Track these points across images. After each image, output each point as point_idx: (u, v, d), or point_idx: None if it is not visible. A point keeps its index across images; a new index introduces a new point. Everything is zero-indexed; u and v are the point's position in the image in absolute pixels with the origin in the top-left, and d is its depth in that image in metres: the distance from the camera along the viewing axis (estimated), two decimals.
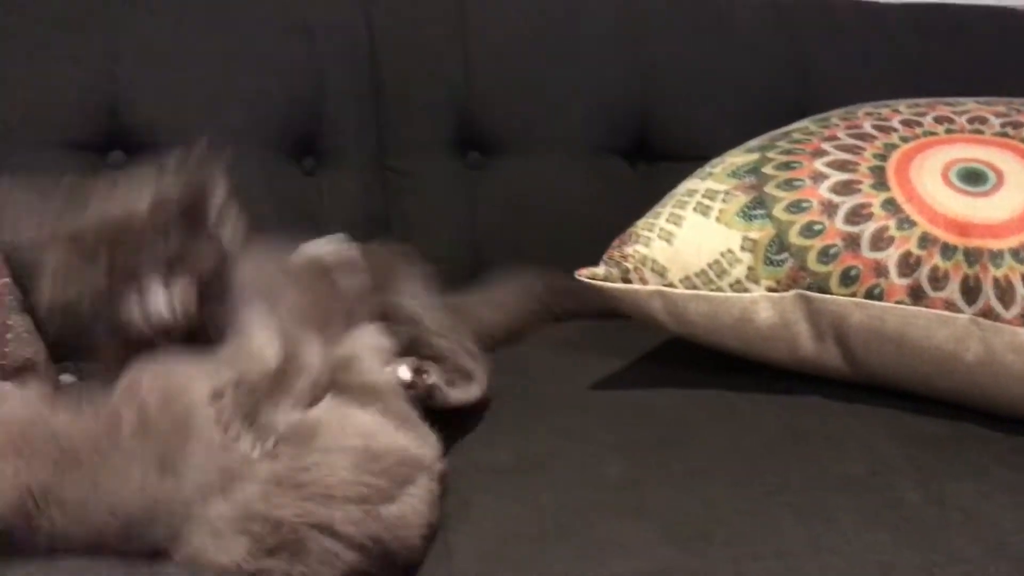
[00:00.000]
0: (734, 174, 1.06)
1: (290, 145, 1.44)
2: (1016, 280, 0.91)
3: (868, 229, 0.97)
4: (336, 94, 1.46)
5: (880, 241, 0.96)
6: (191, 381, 0.78)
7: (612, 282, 1.02)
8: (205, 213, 0.86)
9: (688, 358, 1.10)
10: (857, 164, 1.03)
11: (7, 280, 1.19)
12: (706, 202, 1.04)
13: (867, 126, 1.10)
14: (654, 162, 1.54)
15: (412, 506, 0.79)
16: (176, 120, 1.38)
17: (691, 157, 1.47)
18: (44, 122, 1.35)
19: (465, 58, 1.48)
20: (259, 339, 0.86)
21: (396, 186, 1.49)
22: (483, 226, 1.48)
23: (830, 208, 0.99)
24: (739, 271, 0.99)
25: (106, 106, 1.36)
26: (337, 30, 1.49)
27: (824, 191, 1.01)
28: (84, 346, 0.88)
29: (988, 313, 0.92)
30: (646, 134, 1.52)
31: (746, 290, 0.99)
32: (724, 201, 1.03)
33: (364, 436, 0.80)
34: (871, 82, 1.50)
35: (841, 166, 1.03)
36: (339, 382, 0.87)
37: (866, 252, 0.96)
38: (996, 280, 0.92)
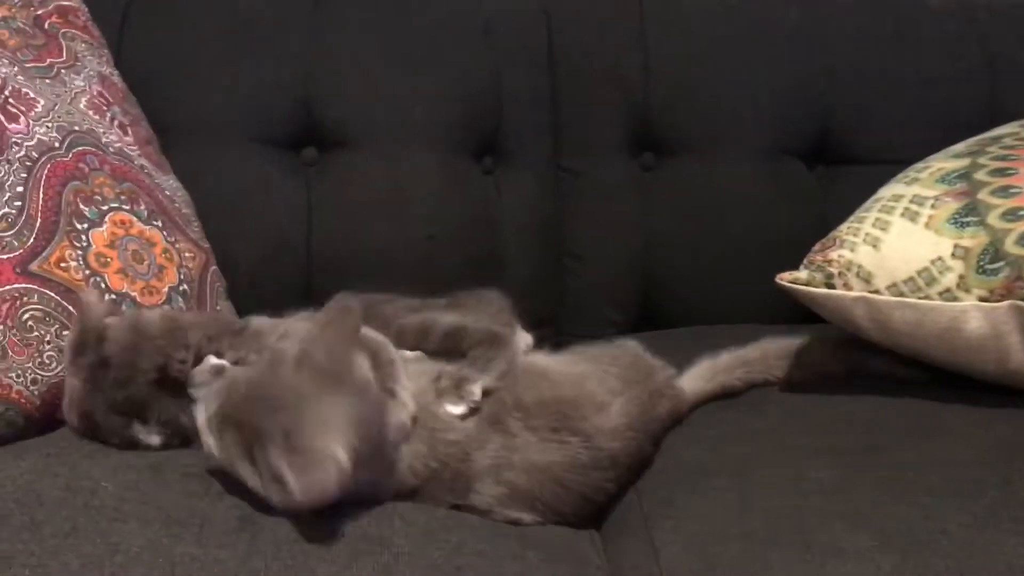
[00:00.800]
0: (943, 180, 1.03)
1: (470, 144, 1.48)
2: None
3: None
4: (514, 95, 1.49)
5: None
6: None
7: (815, 287, 1.01)
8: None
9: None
10: None
11: (216, 268, 1.27)
12: (914, 208, 1.01)
13: None
14: (832, 165, 1.51)
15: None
16: (364, 119, 1.44)
17: (872, 161, 1.46)
18: (242, 119, 1.43)
19: (644, 60, 1.48)
20: None
21: (570, 186, 1.51)
22: (656, 228, 1.48)
23: None
24: (949, 279, 0.96)
25: (301, 104, 1.43)
26: (517, 32, 1.52)
27: None
28: None
29: None
30: (825, 137, 1.50)
31: (956, 299, 0.96)
32: (933, 207, 1.00)
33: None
34: None
35: None
36: None
37: None
38: None
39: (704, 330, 1.38)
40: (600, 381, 0.98)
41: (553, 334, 1.40)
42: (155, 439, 0.89)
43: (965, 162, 1.05)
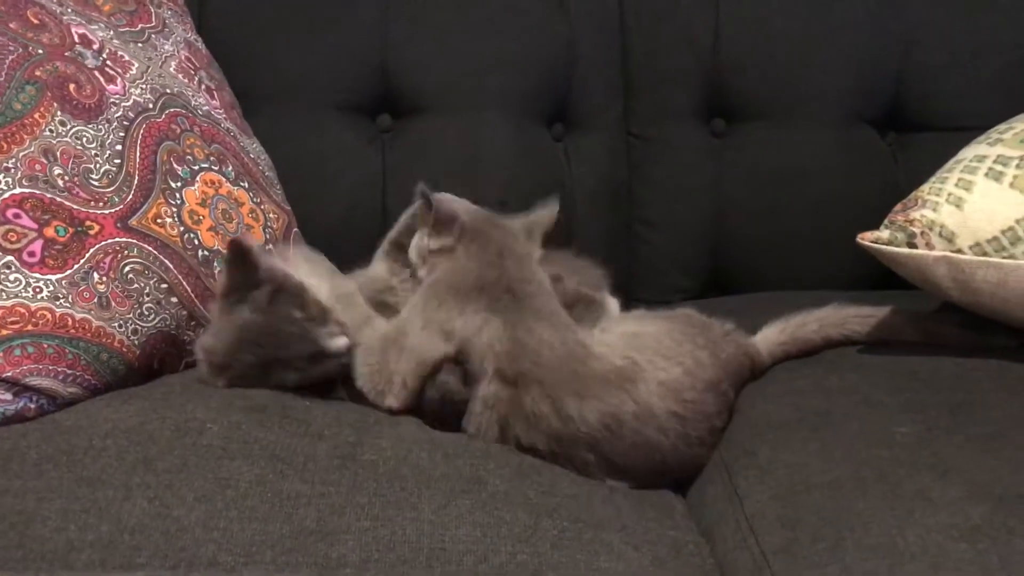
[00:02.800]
0: None
1: (541, 111, 1.49)
2: None
3: None
4: (585, 60, 1.50)
5: None
6: None
7: (896, 246, 1.01)
8: None
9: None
10: None
11: (297, 230, 1.30)
12: (998, 168, 1.01)
13: None
14: (905, 132, 1.50)
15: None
16: (438, 86, 1.47)
17: (945, 128, 1.45)
18: (318, 86, 1.46)
19: (716, 24, 1.48)
20: None
21: (640, 153, 1.52)
22: (726, 194, 1.48)
23: None
24: None
25: (376, 71, 1.46)
26: None
27: None
28: None
29: None
30: (898, 103, 1.49)
31: None
32: (1019, 167, 0.99)
33: None
34: None
35: None
36: None
37: None
38: None
39: (774, 295, 1.38)
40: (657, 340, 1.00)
41: (623, 300, 1.41)
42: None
43: None
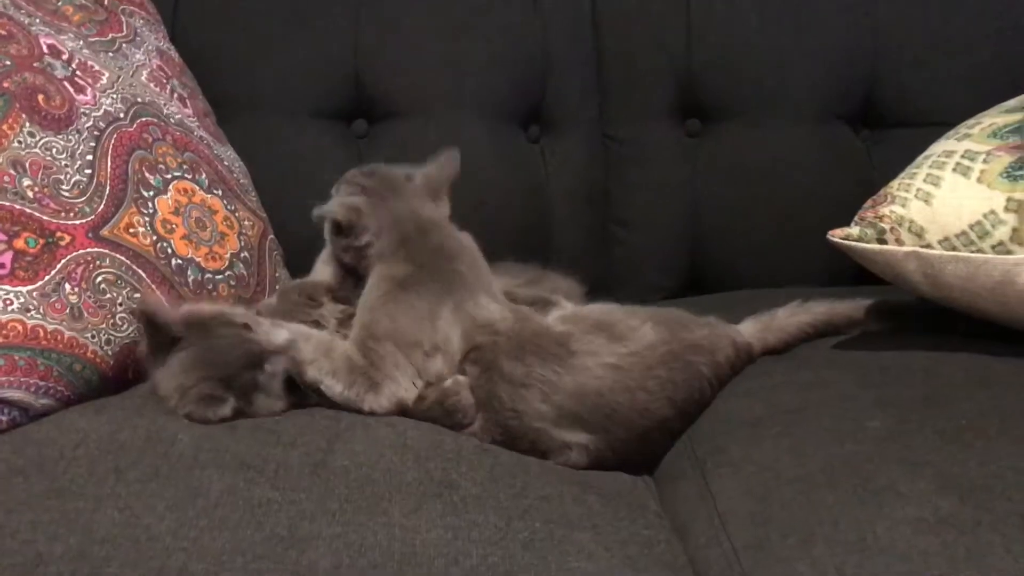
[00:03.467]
0: (995, 135, 1.03)
1: (517, 113, 1.50)
2: None
3: None
4: (560, 63, 1.51)
5: None
6: None
7: (866, 243, 1.02)
8: None
9: (933, 323, 1.08)
10: None
11: (273, 236, 1.30)
12: (966, 163, 1.02)
13: None
14: (878, 128, 1.51)
15: None
16: (414, 90, 1.47)
17: (919, 123, 1.46)
18: (293, 93, 1.46)
19: (687, 24, 1.49)
20: None
21: (616, 154, 1.52)
22: (702, 193, 1.49)
23: None
24: (1002, 233, 0.97)
25: (350, 77, 1.46)
26: None
27: None
28: None
29: None
30: (872, 100, 1.50)
31: (1009, 252, 0.96)
32: (986, 162, 1.00)
33: None
34: None
35: None
36: None
37: None
38: None
39: (753, 294, 1.38)
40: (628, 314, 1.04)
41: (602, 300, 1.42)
42: None
43: (1018, 116, 1.05)
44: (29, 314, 0.94)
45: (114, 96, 1.13)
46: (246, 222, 1.23)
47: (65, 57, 1.11)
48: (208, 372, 0.92)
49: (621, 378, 0.96)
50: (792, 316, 1.11)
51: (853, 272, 1.22)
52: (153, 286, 1.05)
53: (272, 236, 1.30)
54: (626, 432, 0.95)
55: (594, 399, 0.95)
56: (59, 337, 0.96)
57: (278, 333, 0.96)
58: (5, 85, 1.02)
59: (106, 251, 1.03)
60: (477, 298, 1.01)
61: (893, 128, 1.50)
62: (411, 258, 1.03)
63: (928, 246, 1.00)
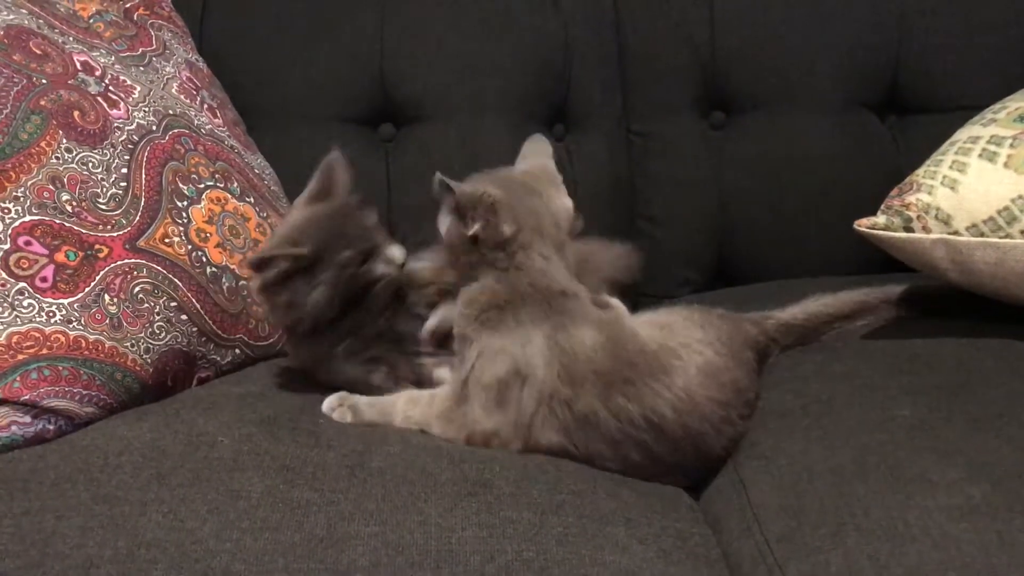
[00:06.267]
0: (1021, 119, 1.03)
1: (541, 112, 1.50)
2: None
3: None
4: (582, 59, 1.51)
5: None
6: None
7: (893, 231, 1.02)
8: None
9: (962, 309, 1.08)
10: None
11: None
12: (992, 148, 1.01)
13: None
14: (904, 115, 1.50)
15: None
16: (438, 93, 1.48)
17: (944, 109, 1.45)
18: (320, 99, 1.48)
19: (710, 16, 1.49)
20: None
21: (641, 149, 1.53)
22: (728, 185, 1.49)
23: None
24: None
25: (375, 81, 1.48)
26: None
27: None
28: None
29: None
30: (896, 86, 1.49)
31: None
32: (1012, 147, 1.00)
33: None
34: None
35: None
36: None
37: None
38: None
39: (782, 284, 1.39)
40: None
41: (631, 297, 1.43)
42: None
43: None
44: (71, 325, 0.97)
45: (146, 109, 1.16)
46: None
47: (98, 73, 1.14)
48: (327, 228, 1.04)
49: (724, 415, 0.93)
50: (819, 303, 1.11)
51: (882, 260, 1.21)
52: (189, 295, 1.08)
53: None
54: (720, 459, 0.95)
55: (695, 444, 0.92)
56: (100, 347, 0.98)
57: (395, 249, 1.04)
58: (42, 103, 1.05)
59: (143, 261, 1.05)
60: (570, 329, 0.93)
61: (919, 114, 1.49)
62: (513, 290, 0.95)
63: (956, 233, 1.00)
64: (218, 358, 1.12)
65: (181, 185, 1.14)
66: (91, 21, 1.22)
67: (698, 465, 0.93)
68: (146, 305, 1.04)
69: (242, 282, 1.15)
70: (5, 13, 1.11)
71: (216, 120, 1.28)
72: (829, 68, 1.48)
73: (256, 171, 1.30)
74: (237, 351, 1.14)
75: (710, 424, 0.92)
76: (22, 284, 0.96)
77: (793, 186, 1.47)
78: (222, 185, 1.19)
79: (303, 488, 0.80)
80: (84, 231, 1.02)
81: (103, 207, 1.05)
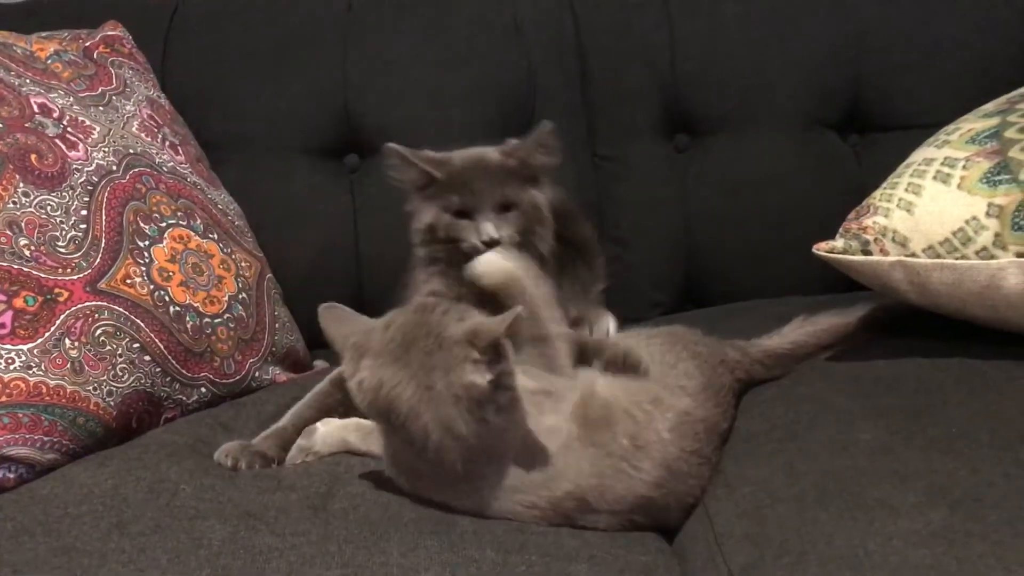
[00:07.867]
0: (973, 140, 1.04)
1: (506, 139, 1.51)
2: None
3: None
4: (546, 85, 1.52)
5: None
6: None
7: (852, 255, 1.03)
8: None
9: (926, 329, 1.09)
10: None
11: (271, 275, 1.32)
12: (945, 170, 1.02)
13: None
14: (866, 133, 1.52)
15: None
16: (403, 122, 1.48)
17: (906, 127, 1.46)
18: (285, 131, 1.49)
19: (671, 40, 1.50)
20: None
21: (606, 172, 1.54)
22: (694, 207, 1.50)
23: None
24: (985, 238, 0.97)
25: (340, 112, 1.48)
26: (544, 23, 1.54)
27: None
28: None
29: None
30: (857, 105, 1.50)
31: (993, 257, 0.97)
32: (965, 168, 1.01)
33: None
34: None
35: None
36: None
37: None
38: None
39: (749, 305, 1.40)
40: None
41: None
42: None
43: (995, 121, 1.05)
44: (31, 371, 0.96)
45: (106, 149, 1.16)
46: (243, 263, 1.25)
47: (56, 115, 1.13)
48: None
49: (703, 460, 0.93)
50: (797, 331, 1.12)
51: (847, 280, 1.22)
52: (152, 335, 1.07)
53: (270, 275, 1.32)
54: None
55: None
56: (62, 392, 0.98)
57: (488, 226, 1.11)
58: None
59: (104, 303, 1.05)
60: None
61: (880, 132, 1.51)
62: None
63: (913, 255, 1.01)
64: (184, 397, 1.11)
65: (142, 225, 1.13)
66: (49, 62, 1.21)
67: (679, 514, 0.92)
68: (108, 347, 1.03)
69: (205, 319, 1.14)
70: None
71: (178, 157, 1.28)
72: (790, 88, 1.49)
73: (220, 207, 1.29)
74: (203, 390, 1.13)
75: (689, 476, 0.91)
76: None
77: (758, 206, 1.48)
78: (185, 223, 1.19)
79: (264, 534, 0.79)
80: (43, 275, 1.01)
81: (62, 250, 1.04)
